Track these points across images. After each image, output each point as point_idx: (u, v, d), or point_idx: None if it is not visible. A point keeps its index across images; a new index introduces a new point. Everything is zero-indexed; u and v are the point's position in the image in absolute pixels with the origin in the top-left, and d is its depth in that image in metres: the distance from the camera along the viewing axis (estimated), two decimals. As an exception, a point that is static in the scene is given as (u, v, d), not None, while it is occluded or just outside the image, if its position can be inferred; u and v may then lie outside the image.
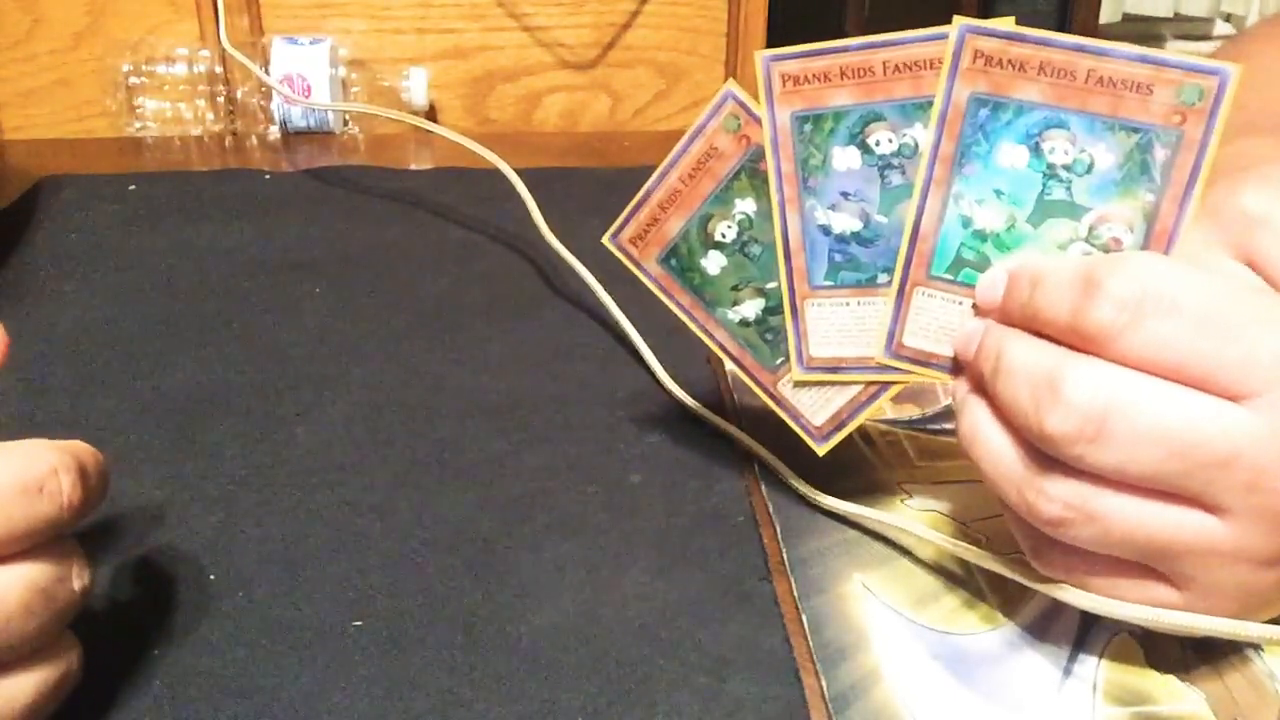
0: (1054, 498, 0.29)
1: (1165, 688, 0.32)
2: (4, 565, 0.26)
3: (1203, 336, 0.27)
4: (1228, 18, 2.60)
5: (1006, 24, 0.32)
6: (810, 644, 0.33)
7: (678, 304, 0.39)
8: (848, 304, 0.36)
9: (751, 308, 0.38)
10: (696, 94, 0.92)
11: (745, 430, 0.43)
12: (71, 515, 0.27)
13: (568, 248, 0.54)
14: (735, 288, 0.38)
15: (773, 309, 0.38)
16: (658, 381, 0.47)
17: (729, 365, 0.39)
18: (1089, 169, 0.32)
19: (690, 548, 0.38)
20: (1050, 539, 0.31)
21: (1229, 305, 0.28)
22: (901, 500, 0.40)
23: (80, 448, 0.28)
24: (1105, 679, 0.32)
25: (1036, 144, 0.32)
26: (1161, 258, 0.30)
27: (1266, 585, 0.29)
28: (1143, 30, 2.44)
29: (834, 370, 0.37)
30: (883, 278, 0.36)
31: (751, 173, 0.37)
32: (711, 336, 0.39)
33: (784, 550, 0.37)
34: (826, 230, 0.36)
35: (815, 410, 0.38)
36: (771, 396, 0.39)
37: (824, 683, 0.32)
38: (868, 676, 0.32)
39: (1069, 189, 0.32)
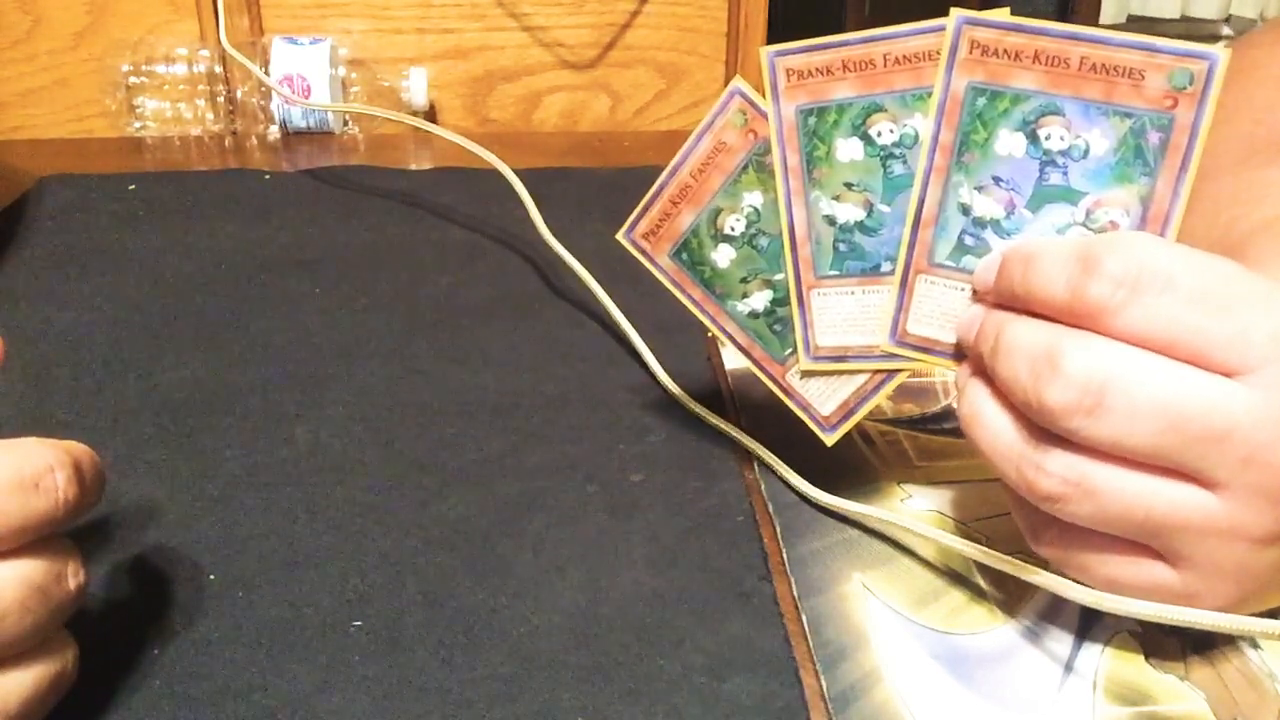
0: (1052, 473, 0.29)
1: (1165, 687, 0.32)
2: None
3: (1198, 313, 0.28)
4: (1227, 19, 2.60)
5: (1002, 14, 0.33)
6: (810, 644, 0.33)
7: (689, 297, 0.40)
8: (853, 293, 0.37)
9: (760, 299, 0.39)
10: (696, 94, 0.92)
11: (745, 430, 0.43)
12: (67, 512, 0.27)
13: (567, 248, 0.54)
14: (744, 280, 0.39)
15: (780, 300, 0.38)
16: (658, 381, 0.47)
17: (738, 357, 0.40)
18: (1085, 154, 0.32)
19: (690, 548, 0.38)
20: (1047, 519, 0.31)
21: (1224, 283, 0.28)
22: (901, 500, 0.40)
23: (76, 447, 0.28)
24: (1106, 677, 0.32)
25: (1033, 131, 0.33)
26: (1156, 237, 0.31)
27: (1264, 566, 0.29)
28: (1148, 31, 2.45)
29: (840, 359, 0.38)
30: (886, 266, 0.36)
31: (758, 166, 0.37)
32: (722, 329, 0.40)
33: (784, 550, 0.37)
34: (831, 220, 0.36)
35: (823, 400, 0.38)
36: (780, 387, 0.39)
37: (824, 683, 0.32)
38: (868, 676, 0.32)
39: (1066, 175, 0.33)
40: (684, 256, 0.39)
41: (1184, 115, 0.31)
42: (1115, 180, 0.32)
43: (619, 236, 0.40)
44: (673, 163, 0.38)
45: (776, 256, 0.38)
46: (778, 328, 0.39)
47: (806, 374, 0.38)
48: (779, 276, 0.38)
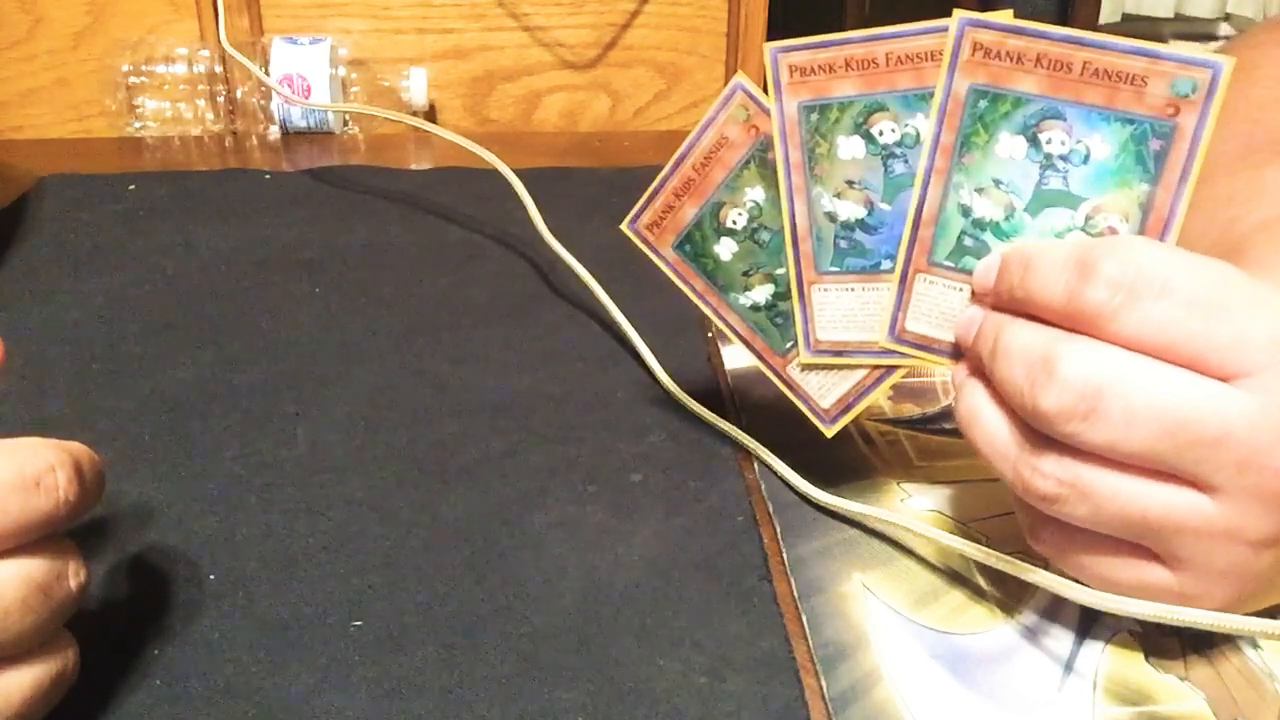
0: (1048, 474, 0.30)
1: (1165, 687, 0.32)
2: (1, 560, 0.26)
3: (1195, 318, 0.28)
4: (1227, 18, 2.59)
5: (1005, 17, 0.33)
6: (810, 644, 0.33)
7: (692, 289, 0.40)
8: (853, 289, 0.37)
9: (762, 293, 0.39)
10: (696, 94, 0.92)
11: (745, 430, 0.43)
12: (68, 511, 0.27)
13: (567, 248, 0.54)
14: (746, 273, 0.39)
15: (782, 294, 0.39)
16: (658, 381, 0.47)
17: (738, 357, 0.40)
18: (1085, 159, 0.32)
19: (690, 548, 0.38)
20: (1046, 517, 0.31)
21: (1221, 288, 0.28)
22: (901, 500, 0.40)
23: (76, 447, 0.28)
24: (1106, 677, 0.32)
25: (1034, 135, 0.33)
26: (1153, 242, 0.31)
27: (1261, 568, 0.29)
28: (1143, 30, 2.45)
29: (840, 354, 0.38)
30: (886, 264, 0.36)
31: (760, 162, 0.38)
32: (724, 320, 0.40)
33: (784, 550, 0.37)
34: (832, 217, 0.36)
35: (823, 393, 0.39)
36: (782, 380, 0.40)
37: (824, 683, 0.32)
38: (868, 676, 0.32)
39: (1066, 179, 0.33)
40: (687, 249, 0.39)
41: (1186, 123, 0.31)
42: (1115, 186, 0.32)
43: (623, 227, 0.40)
44: (676, 156, 0.39)
45: (778, 251, 0.38)
46: (779, 321, 0.39)
47: (807, 367, 0.39)
48: (780, 271, 0.38)
